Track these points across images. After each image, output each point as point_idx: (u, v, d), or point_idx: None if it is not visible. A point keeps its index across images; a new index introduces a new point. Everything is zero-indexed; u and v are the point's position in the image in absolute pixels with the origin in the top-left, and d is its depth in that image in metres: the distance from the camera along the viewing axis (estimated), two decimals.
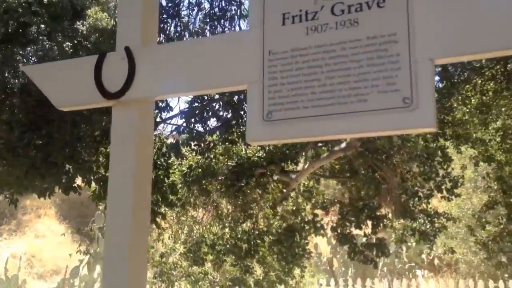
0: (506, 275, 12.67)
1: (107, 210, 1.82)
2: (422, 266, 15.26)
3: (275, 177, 5.53)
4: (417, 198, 6.13)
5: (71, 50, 3.94)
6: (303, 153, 5.47)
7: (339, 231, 5.67)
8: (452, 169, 6.31)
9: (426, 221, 6.27)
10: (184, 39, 5.43)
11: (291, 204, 6.22)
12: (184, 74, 1.72)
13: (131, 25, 1.87)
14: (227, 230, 6.74)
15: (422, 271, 15.11)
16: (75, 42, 3.99)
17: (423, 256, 15.95)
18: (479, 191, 8.73)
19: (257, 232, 6.34)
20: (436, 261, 16.28)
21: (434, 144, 6.05)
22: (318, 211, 6.06)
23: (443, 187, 6.11)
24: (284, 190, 5.74)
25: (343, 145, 4.25)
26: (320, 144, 5.22)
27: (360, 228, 5.56)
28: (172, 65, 1.75)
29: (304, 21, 1.51)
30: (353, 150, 4.29)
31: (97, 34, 4.60)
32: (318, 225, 5.79)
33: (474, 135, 6.83)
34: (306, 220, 6.01)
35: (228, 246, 6.54)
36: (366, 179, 5.31)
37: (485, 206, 6.54)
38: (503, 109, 6.53)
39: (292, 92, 1.50)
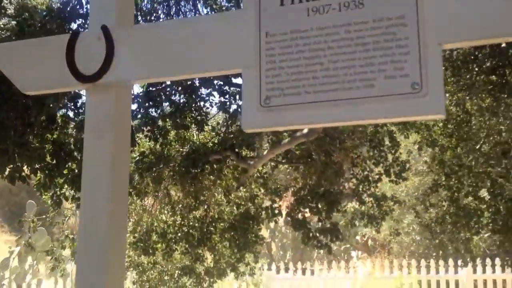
0: (435, 254, 13.40)
1: (81, 204, 1.68)
2: (357, 247, 15.82)
3: (233, 163, 5.47)
4: (366, 183, 6.28)
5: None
6: (262, 139, 5.44)
7: (293, 217, 5.71)
8: (400, 153, 6.51)
9: (374, 205, 6.45)
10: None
11: (244, 190, 6.19)
12: (167, 56, 1.61)
13: (106, 2, 1.73)
14: (178, 218, 6.62)
15: (356, 252, 15.66)
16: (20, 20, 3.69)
17: (357, 237, 16.57)
18: (423, 175, 9.14)
19: (210, 220, 6.27)
20: (369, 242, 16.92)
21: (383, 129, 6.21)
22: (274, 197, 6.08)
23: (391, 171, 6.30)
24: (239, 176, 5.69)
25: (305, 130, 4.25)
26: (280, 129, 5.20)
27: (316, 214, 5.63)
28: (154, 46, 1.63)
29: (304, 1, 1.44)
30: (315, 136, 4.31)
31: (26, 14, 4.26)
32: (276, 211, 5.80)
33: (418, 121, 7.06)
34: (263, 206, 6.02)
35: (179, 234, 6.43)
36: (322, 165, 5.37)
37: (429, 189, 6.83)
38: (447, 94, 6.79)
39: (292, 77, 1.43)
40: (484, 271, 12.60)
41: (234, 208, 6.52)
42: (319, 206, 5.44)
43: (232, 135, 5.38)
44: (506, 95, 6.27)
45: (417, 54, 1.30)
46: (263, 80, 1.47)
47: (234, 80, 5.20)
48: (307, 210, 5.67)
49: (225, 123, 5.82)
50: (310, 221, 5.89)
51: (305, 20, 1.44)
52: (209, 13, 5.56)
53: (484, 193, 6.50)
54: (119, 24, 1.70)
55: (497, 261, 12.93)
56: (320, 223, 5.74)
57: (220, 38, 1.54)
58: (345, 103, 1.36)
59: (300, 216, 5.69)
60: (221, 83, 5.19)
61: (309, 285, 12.74)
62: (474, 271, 12.66)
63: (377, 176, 6.37)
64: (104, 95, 1.67)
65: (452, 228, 6.65)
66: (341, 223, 6.42)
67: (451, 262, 12.78)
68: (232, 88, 5.27)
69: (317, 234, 5.59)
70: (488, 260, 12.95)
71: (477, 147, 6.40)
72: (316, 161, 5.32)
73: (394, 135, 6.41)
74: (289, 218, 5.73)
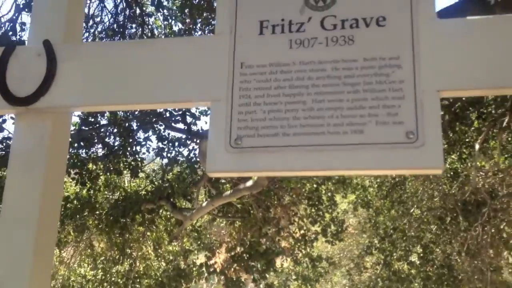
0: None
1: None
2: None
3: (166, 214, 5.12)
4: (303, 242, 6.12)
5: None
6: (199, 190, 5.16)
7: (227, 276, 5.38)
8: (338, 213, 6.45)
9: (309, 265, 6.28)
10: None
11: (175, 244, 5.80)
12: (120, 81, 1.37)
13: (50, 14, 1.49)
14: (99, 272, 6.06)
15: None
16: None
17: None
18: (358, 236, 9.15)
19: (135, 275, 5.78)
20: None
21: (322, 187, 6.15)
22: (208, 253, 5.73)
23: (328, 230, 6.20)
24: (172, 229, 5.32)
25: (249, 183, 4.05)
26: (223, 181, 4.97)
27: (251, 273, 5.34)
28: (104, 69, 1.39)
29: (287, 32, 1.28)
30: (259, 189, 4.12)
31: None
32: (211, 269, 5.44)
33: (355, 181, 7.11)
34: (196, 263, 5.65)
35: None
36: (261, 221, 5.16)
37: (364, 252, 6.79)
38: None
39: (269, 115, 1.24)
40: None
41: (163, 263, 6.10)
42: (258, 265, 5.17)
43: (167, 184, 5.08)
44: None
45: (413, 100, 1.16)
46: (234, 116, 1.27)
47: (174, 125, 4.96)
48: (241, 268, 5.37)
49: (161, 171, 5.50)
50: (245, 281, 5.58)
51: (286, 53, 1.28)
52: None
53: (415, 257, 6.54)
54: (65, 40, 1.46)
55: None
56: (254, 284, 5.45)
57: (186, 65, 1.34)
58: (331, 149, 1.19)
59: (234, 275, 5.38)
60: (161, 128, 4.94)
61: None
62: None
63: (314, 236, 6.24)
64: (38, 122, 1.40)
65: None
66: (276, 284, 6.15)
67: None
68: (171, 134, 5.02)
69: None
70: None
71: (411, 211, 6.49)
72: (255, 216, 5.10)
73: (333, 194, 6.37)
74: (222, 277, 5.39)
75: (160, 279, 5.65)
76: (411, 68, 1.18)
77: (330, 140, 1.19)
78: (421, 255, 6.50)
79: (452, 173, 6.51)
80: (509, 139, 5.44)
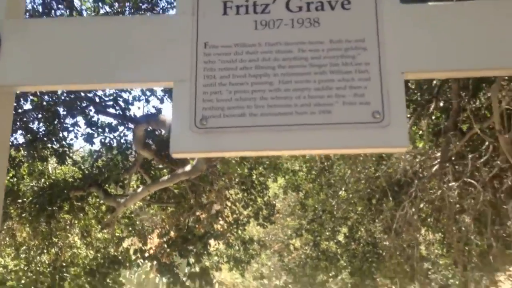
0: None
1: None
2: None
3: (96, 202, 4.93)
4: (235, 225, 6.17)
5: None
6: (131, 176, 5.02)
7: (160, 261, 5.30)
8: (269, 197, 6.56)
9: (241, 248, 6.35)
10: None
11: (105, 232, 5.62)
12: (74, 60, 1.29)
13: None
14: (22, 262, 5.75)
15: None
16: None
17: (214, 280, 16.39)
18: (289, 218, 9.36)
19: (62, 264, 5.54)
20: (217, 286, 16.84)
21: (254, 172, 6.21)
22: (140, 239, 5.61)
23: (260, 214, 6.29)
24: (103, 216, 5.15)
25: (187, 167, 3.99)
26: (159, 166, 4.85)
27: (185, 257, 5.30)
28: (52, 46, 1.31)
29: (251, 13, 1.27)
30: (198, 174, 4.07)
31: None
32: (146, 254, 5.33)
33: (285, 165, 7.25)
34: (130, 249, 5.50)
35: (23, 281, 5.56)
36: (196, 206, 5.12)
37: (294, 233, 6.97)
38: None
39: (235, 96, 1.23)
40: None
41: (91, 251, 5.90)
42: (195, 248, 5.14)
43: (98, 171, 4.89)
44: None
45: (379, 81, 1.19)
46: (199, 96, 1.24)
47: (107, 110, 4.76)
48: (176, 253, 5.32)
49: (90, 157, 5.29)
50: (179, 265, 5.53)
51: (251, 34, 1.27)
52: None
53: (342, 237, 6.82)
54: (7, 16, 1.36)
55: None
56: (189, 267, 5.42)
57: (147, 44, 1.29)
58: (298, 128, 1.20)
59: (167, 260, 5.31)
60: (91, 113, 4.72)
61: None
62: None
63: (246, 219, 6.31)
64: None
65: (312, 272, 6.81)
66: (208, 266, 6.16)
67: None
68: (102, 120, 4.82)
69: (185, 279, 5.26)
70: None
71: (339, 193, 6.73)
72: (189, 202, 5.06)
73: (265, 178, 6.46)
74: (155, 262, 5.31)
75: (88, 267, 5.47)
76: (376, 50, 1.21)
77: (298, 120, 1.20)
78: (347, 234, 6.79)
79: (377, 157, 6.82)
80: (432, 125, 5.79)
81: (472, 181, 5.00)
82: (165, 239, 5.38)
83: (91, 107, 4.58)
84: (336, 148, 1.22)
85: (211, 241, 5.74)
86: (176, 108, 1.25)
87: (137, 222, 5.98)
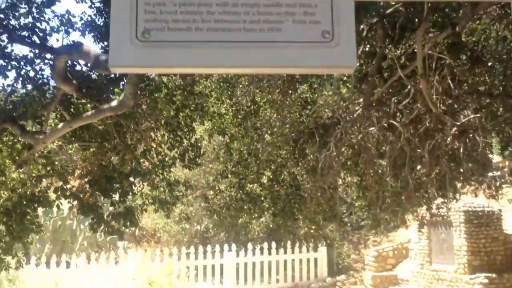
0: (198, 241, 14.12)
1: None
2: (124, 238, 15.59)
3: (10, 139, 4.62)
4: (160, 167, 6.10)
5: None
6: (50, 111, 4.73)
7: (82, 201, 5.14)
8: (196, 139, 6.51)
9: (166, 189, 6.32)
10: None
11: (22, 171, 5.32)
12: None
13: None
14: None
15: (124, 242, 15.46)
16: None
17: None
18: (214, 161, 9.39)
19: None
20: (137, 232, 16.91)
21: (180, 113, 6.10)
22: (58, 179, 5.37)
23: (186, 156, 6.25)
24: (19, 154, 4.85)
25: (114, 103, 3.80)
26: (83, 101, 4.59)
27: (109, 197, 5.18)
28: None
29: None
30: (125, 110, 3.90)
31: None
32: (68, 193, 5.13)
33: (212, 109, 7.20)
34: (49, 188, 5.26)
35: None
36: (120, 145, 4.96)
37: (219, 175, 7.03)
38: (239, 87, 7.07)
39: (180, 9, 1.16)
40: (246, 255, 13.78)
41: (5, 192, 5.59)
42: (121, 187, 5.02)
43: (12, 106, 4.56)
44: (291, 91, 6.83)
45: (329, 0, 1.17)
46: (140, 7, 1.16)
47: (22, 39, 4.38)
48: (99, 193, 5.17)
49: (3, 91, 4.91)
50: (102, 205, 5.40)
51: None
52: None
53: (266, 179, 6.99)
54: None
55: (265, 245, 14.18)
56: (113, 208, 5.31)
57: None
58: (246, 46, 1.16)
59: (90, 200, 5.17)
60: (5, 43, 4.32)
61: (74, 279, 12.01)
62: (237, 255, 13.75)
63: (171, 161, 6.25)
64: None
65: (236, 213, 6.97)
66: (134, 207, 6.08)
67: (217, 248, 13.63)
68: (16, 51, 4.44)
69: (110, 219, 5.17)
70: (252, 245, 14.12)
71: (264, 136, 6.83)
72: (113, 141, 4.89)
73: (191, 120, 6.38)
74: (76, 202, 5.14)
75: (2, 208, 5.20)
76: None
77: (246, 37, 1.16)
78: (271, 177, 6.96)
79: (303, 101, 6.95)
80: (357, 71, 5.94)
81: (394, 122, 5.24)
82: (87, 179, 5.21)
83: (4, 36, 4.21)
84: (284, 67, 1.20)
85: (137, 182, 5.65)
86: (115, 19, 1.16)
87: (56, 163, 5.72)
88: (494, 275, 11.04)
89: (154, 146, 6.08)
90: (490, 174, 11.66)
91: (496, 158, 11.53)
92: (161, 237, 16.06)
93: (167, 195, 6.31)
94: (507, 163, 12.50)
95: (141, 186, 6.17)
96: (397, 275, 13.84)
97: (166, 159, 6.23)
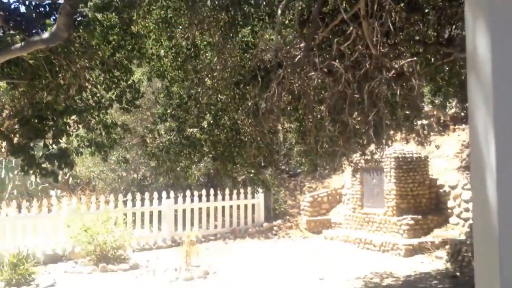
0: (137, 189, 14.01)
1: None
2: (57, 187, 15.23)
3: None
4: (97, 108, 5.87)
5: None
6: None
7: (12, 141, 4.86)
8: (133, 81, 6.29)
9: (103, 132, 6.12)
10: None
11: None
12: None
13: None
14: None
15: (56, 191, 15.11)
16: None
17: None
18: (153, 104, 9.13)
19: None
20: (71, 180, 16.55)
21: (116, 54, 5.84)
22: None
23: (124, 97, 6.04)
24: None
25: (46, 34, 3.53)
26: (12, 32, 4.23)
27: (42, 137, 4.93)
28: None
29: None
30: (58, 42, 3.63)
31: None
32: None
33: (150, 51, 6.95)
34: None
35: None
36: (53, 84, 4.68)
37: (159, 119, 6.87)
38: (178, 29, 6.83)
39: None
40: (184, 202, 13.87)
41: None
42: (55, 126, 4.78)
43: None
44: (233, 34, 6.69)
45: None
46: None
47: None
48: (31, 134, 4.90)
49: None
50: (35, 146, 5.14)
51: None
52: None
53: (206, 124, 6.93)
54: None
55: (204, 191, 14.27)
56: (46, 149, 5.07)
57: None
58: None
59: (21, 141, 4.90)
60: None
61: (3, 228, 11.64)
62: (176, 202, 13.81)
63: (108, 102, 6.02)
64: None
65: (176, 157, 6.90)
66: (68, 148, 5.85)
67: (155, 195, 13.61)
68: None
69: (43, 161, 4.94)
70: (190, 192, 14.18)
71: (205, 80, 6.71)
72: (43, 79, 4.61)
73: (129, 61, 6.13)
74: (4, 143, 4.86)
75: None
76: None
77: None
78: (212, 121, 6.91)
79: (244, 45, 6.85)
80: (299, 15, 5.90)
81: (334, 63, 5.29)
82: (17, 119, 4.92)
83: None
84: None
85: (72, 123, 5.41)
86: None
87: None
88: (419, 217, 11.80)
89: (89, 86, 5.82)
90: (420, 122, 12.25)
91: (425, 108, 12.09)
92: (96, 186, 15.75)
93: (104, 138, 6.12)
94: (435, 112, 13.16)
95: (77, 128, 5.94)
96: (330, 219, 14.47)
97: (103, 100, 6.00)
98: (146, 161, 14.46)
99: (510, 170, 1.51)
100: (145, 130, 8.13)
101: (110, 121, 6.22)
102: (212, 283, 9.66)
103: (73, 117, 5.69)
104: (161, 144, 6.88)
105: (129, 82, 6.12)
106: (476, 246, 1.60)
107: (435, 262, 10.28)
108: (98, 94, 5.94)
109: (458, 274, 9.26)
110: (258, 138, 6.96)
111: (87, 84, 5.80)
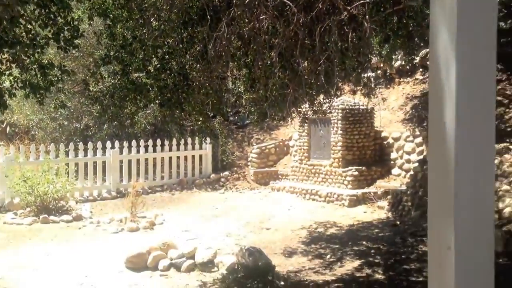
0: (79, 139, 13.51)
1: None
2: None
3: None
4: (31, 47, 5.42)
5: None
6: None
7: None
8: (72, 18, 5.84)
9: (38, 73, 5.70)
10: None
11: None
12: None
13: None
14: None
15: None
16: None
17: None
18: (95, 49, 8.59)
19: None
20: (8, 129, 15.81)
21: None
22: None
23: (61, 36, 5.61)
24: None
25: None
26: None
27: None
28: None
29: None
30: None
31: None
32: None
33: None
34: None
35: None
36: None
37: (101, 61, 6.48)
38: None
39: None
40: (130, 152, 13.55)
41: None
42: None
43: None
44: None
45: None
46: None
47: None
48: None
49: None
50: None
51: None
52: None
53: (153, 67, 6.61)
54: None
55: (150, 142, 13.97)
56: None
57: None
58: None
59: None
60: None
61: None
62: (121, 152, 13.47)
63: (44, 41, 5.58)
64: None
65: (121, 102, 6.58)
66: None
67: (99, 144, 13.19)
68: None
69: None
70: (136, 142, 13.85)
71: (151, 20, 6.34)
72: None
73: None
74: None
75: None
76: None
77: None
78: (159, 65, 6.60)
79: None
80: None
81: (287, 1, 5.10)
82: None
83: None
84: None
85: (4, 60, 4.97)
86: None
87: None
88: (363, 168, 12.09)
89: (23, 22, 5.35)
90: (367, 75, 12.36)
91: (373, 60, 12.17)
92: (36, 135, 15.05)
93: (40, 79, 5.70)
94: (382, 65, 13.29)
95: (9, 67, 5.50)
96: (277, 170, 14.60)
97: (38, 38, 5.55)
98: (89, 110, 13.91)
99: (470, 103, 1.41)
100: (87, 74, 7.68)
101: (46, 61, 5.78)
102: (158, 233, 9.58)
103: (5, 54, 5.24)
104: (104, 89, 6.52)
105: (67, 19, 5.67)
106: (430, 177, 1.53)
107: (377, 212, 10.64)
108: (33, 31, 5.48)
109: (398, 223, 9.62)
110: (207, 84, 6.73)
111: (21, 20, 5.32)
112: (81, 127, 14.81)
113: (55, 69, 5.89)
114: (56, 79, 5.90)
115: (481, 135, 1.36)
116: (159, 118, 9.44)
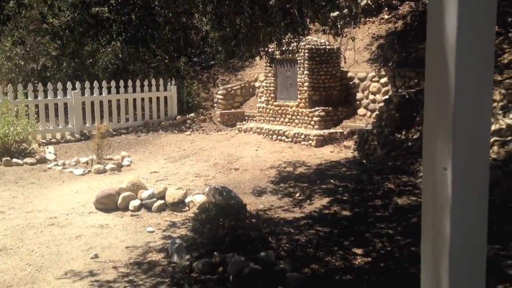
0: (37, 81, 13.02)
1: None
2: None
3: None
4: None
5: None
6: None
7: None
8: None
9: None
10: None
11: None
12: None
13: None
14: None
15: None
16: None
17: None
18: None
19: None
20: None
21: None
22: None
23: None
24: None
25: None
26: None
27: None
28: None
29: None
30: None
31: None
32: None
33: None
34: None
35: None
36: None
37: None
38: None
39: None
40: (92, 93, 13.17)
41: None
42: None
43: None
44: None
45: None
46: None
47: None
48: None
49: None
50: None
51: None
52: None
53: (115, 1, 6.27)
54: None
55: (113, 83, 13.59)
56: None
57: None
58: None
59: None
60: None
61: None
62: (83, 94, 13.08)
63: None
64: None
65: (81, 38, 6.26)
66: None
67: (60, 85, 12.73)
68: None
69: None
70: (98, 83, 13.44)
71: None
72: None
73: None
74: None
75: None
76: None
77: None
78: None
79: None
80: None
81: None
82: None
83: None
84: None
85: None
86: None
87: None
88: (330, 108, 12.16)
89: None
90: (333, 14, 12.18)
91: None
92: None
93: None
94: (347, 3, 13.11)
95: None
96: (244, 112, 14.54)
97: None
98: (46, 49, 13.29)
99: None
100: (43, 8, 7.21)
101: None
102: (126, 175, 9.49)
103: None
104: (63, 24, 6.16)
105: None
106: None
107: (344, 151, 10.82)
108: None
109: (364, 161, 9.82)
110: (173, 20, 6.47)
111: None
112: (38, 68, 14.19)
113: (11, 2, 5.50)
114: (12, 13, 5.52)
115: (480, 61, 1.32)
116: (121, 57, 9.07)
